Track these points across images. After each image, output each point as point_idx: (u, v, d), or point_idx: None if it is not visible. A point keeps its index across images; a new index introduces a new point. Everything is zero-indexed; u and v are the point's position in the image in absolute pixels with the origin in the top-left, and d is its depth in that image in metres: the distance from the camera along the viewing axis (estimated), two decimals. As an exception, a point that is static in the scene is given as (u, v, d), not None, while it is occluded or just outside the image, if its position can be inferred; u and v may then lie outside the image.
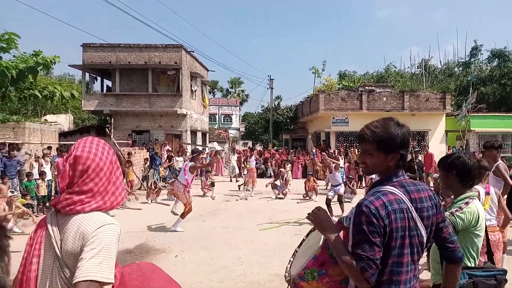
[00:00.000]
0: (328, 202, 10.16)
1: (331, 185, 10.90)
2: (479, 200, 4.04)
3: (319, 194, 14.08)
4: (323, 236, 1.94)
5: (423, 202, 1.83)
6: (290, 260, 2.15)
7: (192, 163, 9.25)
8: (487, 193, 4.12)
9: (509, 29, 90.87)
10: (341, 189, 10.69)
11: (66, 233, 1.60)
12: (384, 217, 1.69)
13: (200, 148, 26.30)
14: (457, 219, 2.65)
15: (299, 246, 2.17)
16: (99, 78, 25.62)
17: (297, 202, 13.27)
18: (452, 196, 2.95)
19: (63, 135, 26.42)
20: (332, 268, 1.86)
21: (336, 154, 18.47)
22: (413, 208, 1.78)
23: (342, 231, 1.94)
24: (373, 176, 2.13)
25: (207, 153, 26.09)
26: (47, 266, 1.60)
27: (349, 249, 1.76)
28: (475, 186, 4.07)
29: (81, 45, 23.35)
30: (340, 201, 10.59)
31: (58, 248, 1.59)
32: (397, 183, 1.84)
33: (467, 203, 2.71)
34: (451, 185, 2.83)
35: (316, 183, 14.76)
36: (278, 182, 15.15)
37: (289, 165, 18.26)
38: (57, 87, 13.77)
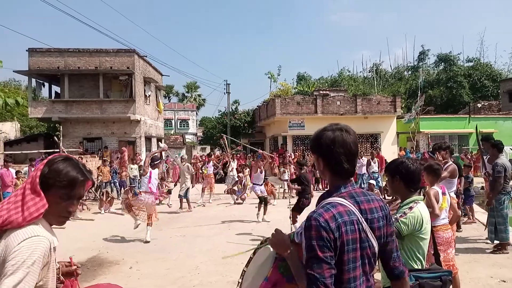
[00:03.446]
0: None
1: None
2: (439, 199, 4.20)
3: (277, 199, 14.10)
4: (271, 255, 1.86)
5: (374, 212, 1.78)
6: (239, 282, 2.05)
7: (157, 169, 9.24)
8: (443, 193, 4.28)
9: (453, 34, 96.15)
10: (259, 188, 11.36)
11: None
12: (334, 230, 1.62)
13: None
14: (402, 224, 2.74)
15: (246, 265, 2.06)
16: (46, 84, 24.52)
17: (256, 207, 13.19)
18: (399, 200, 3.03)
19: (9, 144, 25.08)
20: (285, 287, 1.78)
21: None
22: (363, 219, 1.72)
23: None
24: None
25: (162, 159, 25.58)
26: None
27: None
28: (433, 187, 4.21)
29: (27, 50, 22.26)
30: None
31: None
32: (346, 193, 1.77)
33: (411, 208, 2.80)
34: (397, 190, 2.94)
35: (274, 187, 14.79)
36: (236, 187, 15.05)
37: (248, 169, 18.20)
38: (0, 93, 12.98)
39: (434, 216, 4.01)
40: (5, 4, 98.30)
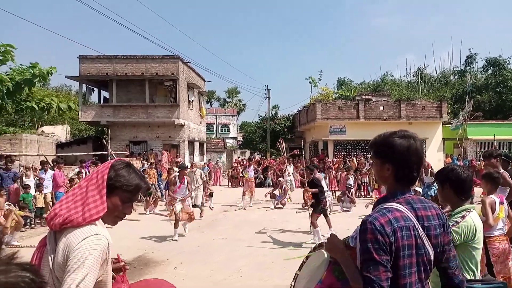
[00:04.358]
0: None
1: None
2: (495, 209, 4.05)
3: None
4: (326, 259, 1.89)
5: (430, 220, 1.77)
6: (291, 284, 2.08)
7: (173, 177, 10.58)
8: (501, 203, 4.12)
9: (503, 37, 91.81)
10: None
11: (58, 247, 1.64)
12: (389, 234, 1.63)
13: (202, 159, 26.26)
14: (454, 234, 2.66)
15: (299, 269, 2.11)
16: (96, 89, 25.64)
17: (296, 212, 13.20)
18: (449, 207, 2.96)
19: (60, 146, 26.33)
20: None
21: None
22: (419, 226, 1.72)
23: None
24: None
25: (204, 163, 26.11)
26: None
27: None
28: (491, 196, 4.07)
29: (78, 57, 23.39)
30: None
31: (51, 262, 1.63)
32: (403, 200, 1.77)
33: (463, 217, 2.72)
34: (447, 198, 2.86)
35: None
36: (277, 192, 15.11)
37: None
38: (54, 99, 13.77)
39: (487, 226, 3.87)
40: (58, 12, 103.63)
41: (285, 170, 16.56)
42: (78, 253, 1.58)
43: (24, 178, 11.94)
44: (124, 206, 1.82)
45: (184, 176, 10.06)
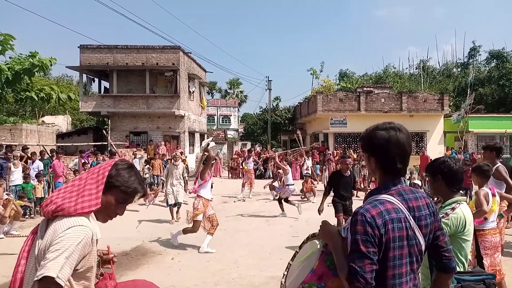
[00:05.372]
0: (279, 200, 11.20)
1: (286, 185, 11.43)
2: (489, 201, 4.05)
3: (317, 196, 14.02)
4: (318, 249, 1.89)
5: (421, 210, 1.78)
6: (284, 274, 2.08)
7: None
8: (493, 195, 4.13)
9: (507, 30, 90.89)
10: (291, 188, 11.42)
11: (46, 234, 1.65)
12: (380, 226, 1.64)
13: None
14: (444, 226, 2.63)
15: (292, 259, 2.11)
16: (96, 80, 25.55)
17: (296, 206, 13.17)
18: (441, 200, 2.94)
19: (61, 136, 26.34)
20: (331, 281, 1.79)
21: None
22: (411, 217, 1.73)
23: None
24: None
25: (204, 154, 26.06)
26: (30, 267, 1.65)
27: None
28: (483, 188, 4.07)
29: (78, 47, 23.27)
30: (287, 200, 11.27)
31: (37, 248, 1.64)
32: (395, 191, 1.78)
33: (453, 209, 2.70)
34: (438, 190, 2.82)
35: (313, 184, 14.71)
36: (276, 184, 15.10)
37: (288, 166, 18.16)
38: (54, 87, 13.75)
39: (482, 213, 3.88)
40: (59, 1, 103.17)
41: (303, 163, 16.16)
42: (61, 240, 1.59)
43: (12, 168, 11.78)
44: (117, 206, 1.84)
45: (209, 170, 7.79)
